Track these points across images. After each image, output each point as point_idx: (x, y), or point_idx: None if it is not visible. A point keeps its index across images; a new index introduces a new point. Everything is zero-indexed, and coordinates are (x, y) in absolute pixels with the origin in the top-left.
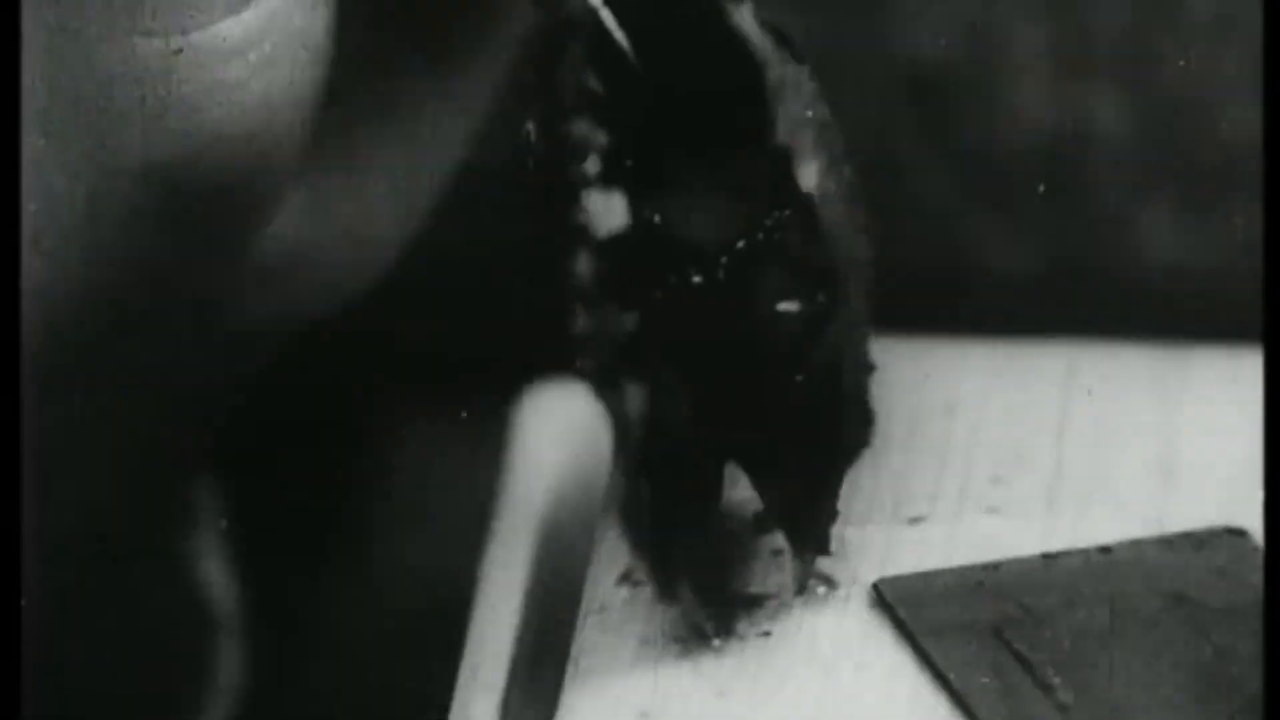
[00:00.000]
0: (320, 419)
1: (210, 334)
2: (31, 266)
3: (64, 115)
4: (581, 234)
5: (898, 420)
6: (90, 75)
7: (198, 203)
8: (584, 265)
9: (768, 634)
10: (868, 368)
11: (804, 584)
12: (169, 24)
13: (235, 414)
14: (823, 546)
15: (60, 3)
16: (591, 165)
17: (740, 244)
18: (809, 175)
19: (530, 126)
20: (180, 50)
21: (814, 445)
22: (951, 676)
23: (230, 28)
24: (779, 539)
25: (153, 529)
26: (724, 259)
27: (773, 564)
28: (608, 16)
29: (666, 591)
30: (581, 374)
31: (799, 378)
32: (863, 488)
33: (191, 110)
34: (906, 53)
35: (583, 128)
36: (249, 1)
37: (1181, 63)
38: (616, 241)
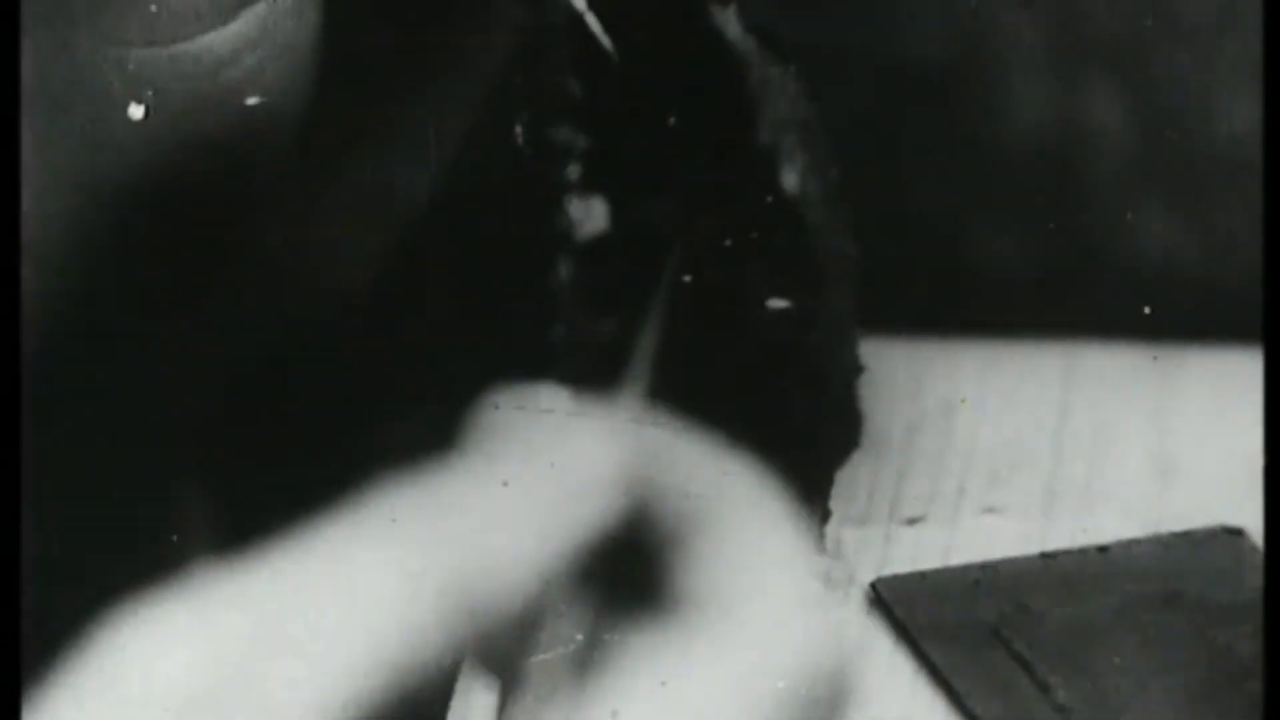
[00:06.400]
0: (308, 423)
1: (198, 339)
2: (23, 274)
3: (54, 125)
4: (564, 239)
5: (896, 421)
6: (80, 86)
7: (186, 212)
8: (566, 270)
9: None
10: (856, 369)
11: None
12: (158, 35)
13: (225, 418)
14: (818, 546)
15: (50, 14)
16: (573, 170)
17: (727, 243)
18: (792, 176)
19: (519, 130)
20: (169, 61)
21: (803, 446)
22: (949, 675)
23: (219, 39)
24: None
25: (142, 531)
26: (712, 259)
27: None
28: (592, 20)
29: None
30: (564, 380)
31: (787, 381)
32: (861, 488)
33: (180, 120)
34: (906, 53)
35: (565, 132)
36: (237, 13)
37: (1180, 63)
38: (599, 246)
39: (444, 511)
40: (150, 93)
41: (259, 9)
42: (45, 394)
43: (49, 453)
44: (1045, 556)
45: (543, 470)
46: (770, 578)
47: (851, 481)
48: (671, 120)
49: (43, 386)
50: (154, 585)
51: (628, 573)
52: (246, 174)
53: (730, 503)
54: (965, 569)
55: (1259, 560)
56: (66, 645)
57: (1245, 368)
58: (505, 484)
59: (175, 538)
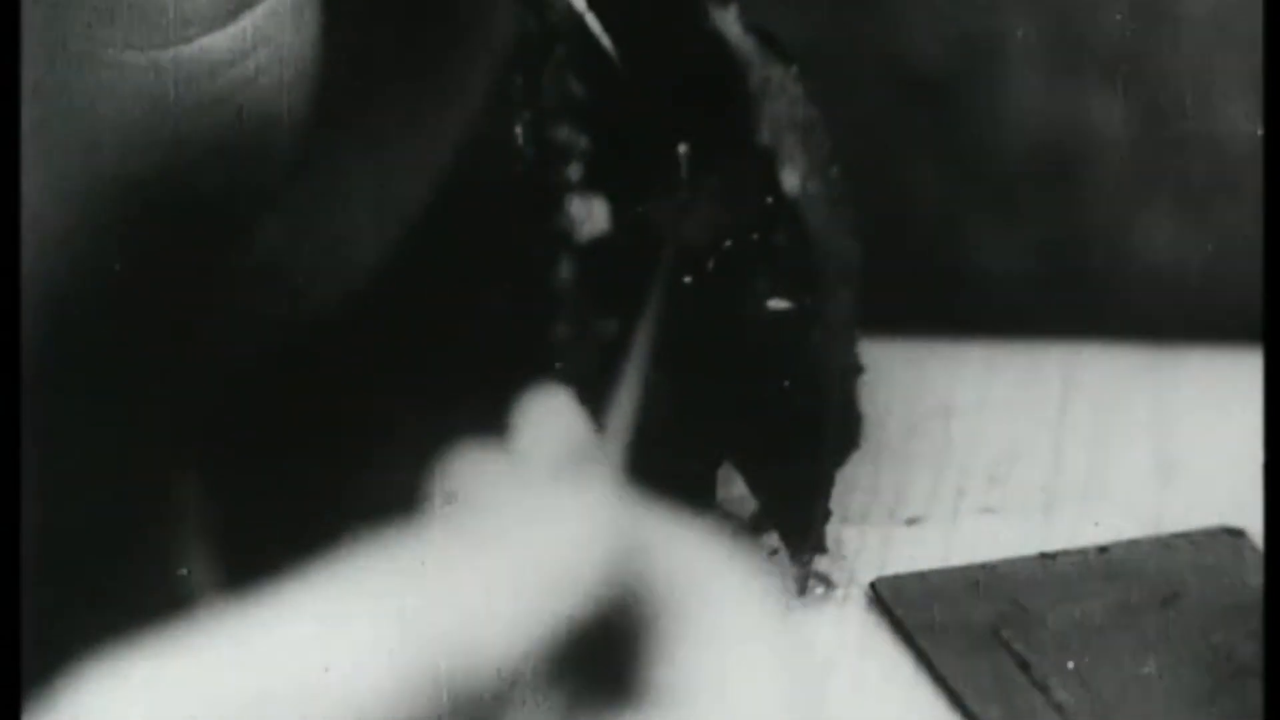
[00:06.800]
0: (307, 422)
1: (195, 339)
2: (23, 274)
3: (52, 129)
4: (565, 239)
5: (895, 421)
6: (78, 89)
7: (185, 214)
8: (567, 270)
9: None
10: (856, 369)
11: (804, 584)
12: (156, 39)
13: (220, 416)
14: (819, 545)
15: (47, 18)
16: (574, 170)
17: (727, 244)
18: (792, 177)
19: (518, 131)
20: (167, 65)
21: (804, 446)
22: (948, 676)
23: (216, 42)
24: (776, 539)
25: (141, 529)
26: (712, 260)
27: (770, 563)
28: (592, 21)
29: None
30: (566, 379)
31: (786, 382)
32: (860, 488)
33: (178, 123)
34: (906, 53)
35: (566, 133)
36: (235, 17)
37: (1180, 63)
38: (600, 246)
39: (421, 577)
40: (146, 96)
41: (258, 11)
42: (38, 392)
43: (40, 447)
44: (1045, 557)
45: (523, 548)
46: (746, 664)
47: (851, 481)
48: (671, 119)
49: (42, 389)
50: (136, 631)
51: (603, 657)
52: (247, 176)
53: (707, 587)
54: (965, 569)
55: (1259, 560)
56: (45, 693)
57: (1245, 368)
58: (482, 558)
59: (169, 559)
